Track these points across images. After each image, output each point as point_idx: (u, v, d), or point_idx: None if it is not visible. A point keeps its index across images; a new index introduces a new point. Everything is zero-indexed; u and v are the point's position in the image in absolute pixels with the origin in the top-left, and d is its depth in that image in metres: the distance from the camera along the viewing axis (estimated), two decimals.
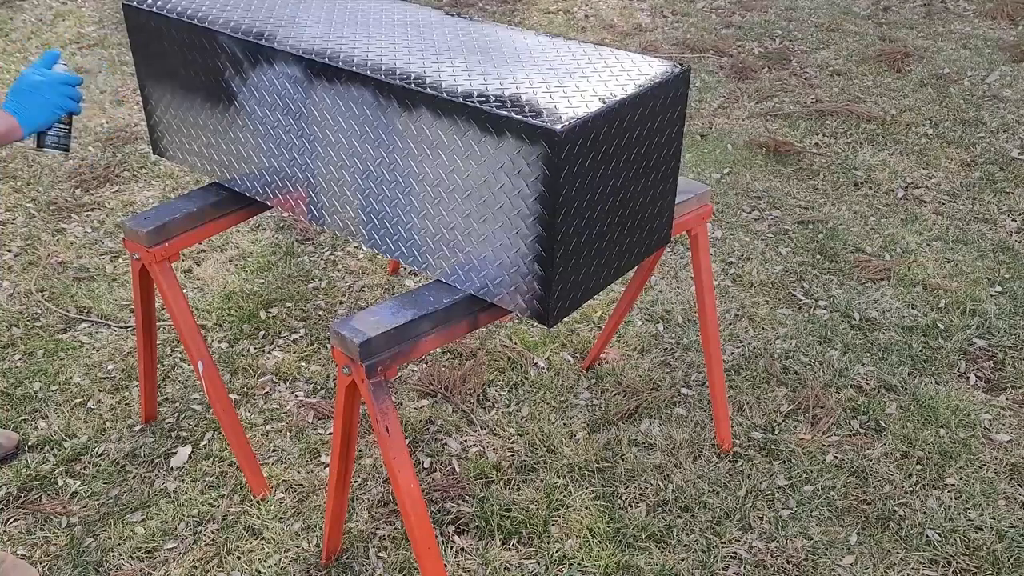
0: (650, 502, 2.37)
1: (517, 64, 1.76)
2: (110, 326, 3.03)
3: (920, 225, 3.69)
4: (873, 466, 2.48)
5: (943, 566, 2.19)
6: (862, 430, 2.62)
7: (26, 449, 2.51)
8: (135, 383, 2.75)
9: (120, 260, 3.40)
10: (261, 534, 2.26)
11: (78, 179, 3.98)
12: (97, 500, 2.36)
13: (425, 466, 2.48)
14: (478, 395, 2.74)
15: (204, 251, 3.47)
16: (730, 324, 3.07)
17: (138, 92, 4.84)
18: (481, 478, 2.44)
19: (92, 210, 3.74)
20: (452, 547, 2.23)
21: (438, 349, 2.90)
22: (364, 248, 3.48)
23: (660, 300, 3.19)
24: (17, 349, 2.91)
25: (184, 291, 3.10)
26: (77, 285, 3.24)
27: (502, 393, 2.75)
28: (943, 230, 3.65)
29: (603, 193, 1.67)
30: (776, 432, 2.60)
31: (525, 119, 1.51)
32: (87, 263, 3.37)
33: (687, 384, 2.79)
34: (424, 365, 2.87)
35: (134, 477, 2.43)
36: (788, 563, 2.20)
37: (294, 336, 3.00)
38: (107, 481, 2.41)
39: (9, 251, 3.44)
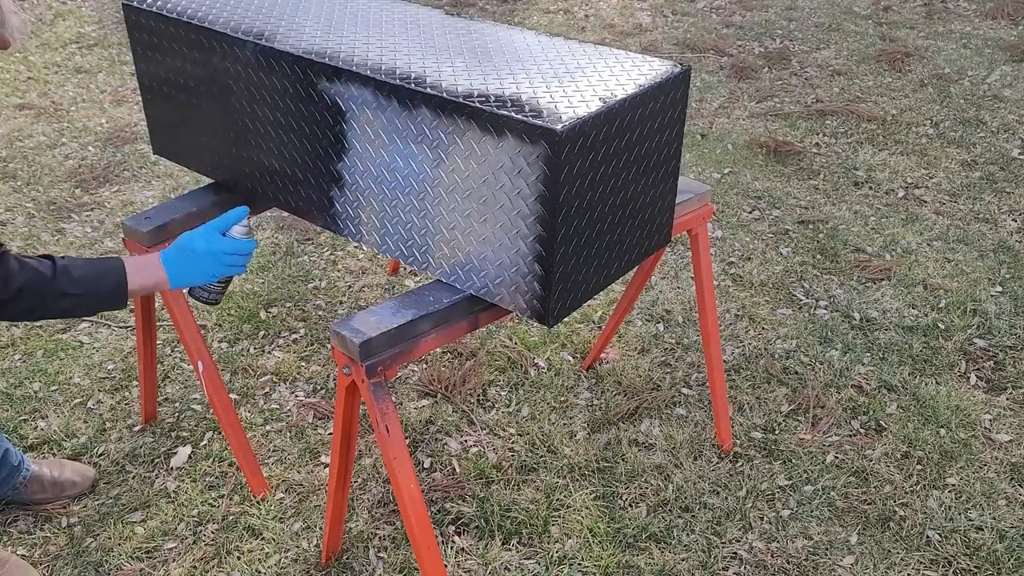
0: (650, 502, 2.37)
1: (517, 64, 1.76)
2: (110, 326, 3.03)
3: (920, 225, 3.68)
4: (873, 466, 2.48)
5: (943, 566, 2.19)
6: (862, 430, 2.62)
7: (26, 449, 2.51)
8: (135, 383, 2.75)
9: None
10: (261, 534, 2.26)
11: (78, 179, 3.98)
12: (97, 500, 2.35)
13: (425, 466, 2.48)
14: (478, 395, 2.74)
15: None
16: (730, 324, 3.07)
17: (138, 92, 4.84)
18: (481, 478, 2.43)
19: (92, 210, 3.74)
20: (452, 547, 2.23)
21: (438, 349, 2.89)
22: (364, 248, 3.48)
23: (660, 300, 3.18)
24: (17, 349, 2.91)
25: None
26: None
27: (502, 393, 2.75)
28: (943, 230, 3.65)
29: (603, 193, 1.66)
30: (776, 432, 2.60)
31: (525, 119, 1.51)
32: None
33: (687, 384, 2.79)
34: (424, 365, 2.86)
35: (134, 477, 2.43)
36: (788, 563, 2.20)
37: (294, 336, 2.99)
38: (107, 481, 2.41)
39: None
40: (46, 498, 2.30)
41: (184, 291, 1.89)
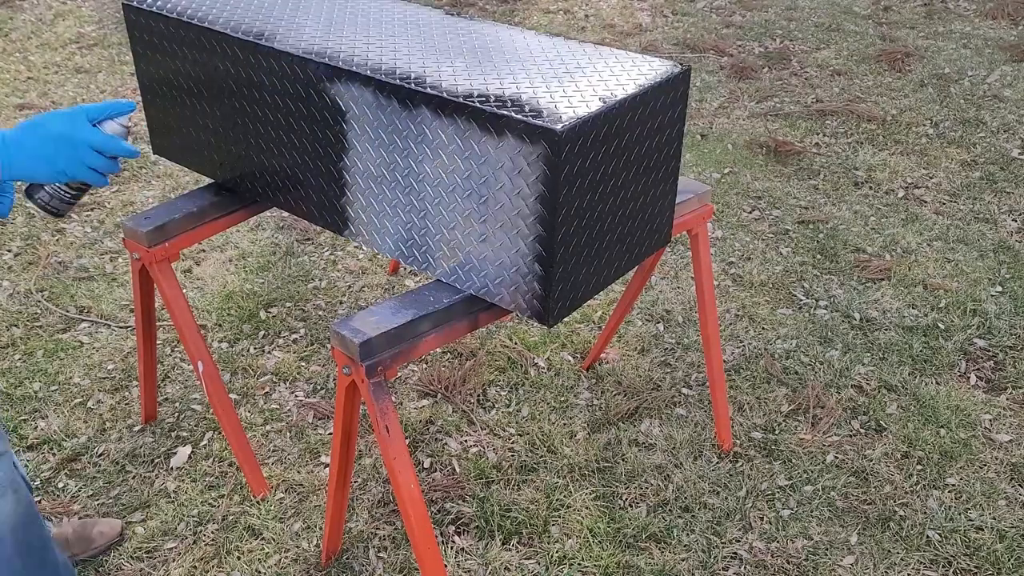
0: (650, 502, 2.37)
1: (517, 64, 1.76)
2: (110, 326, 3.03)
3: (920, 225, 3.68)
4: (873, 466, 2.48)
5: (943, 566, 2.19)
6: (862, 430, 2.62)
7: (25, 449, 2.51)
8: (135, 383, 2.75)
9: (120, 260, 3.40)
10: (261, 534, 2.26)
11: None
12: (97, 500, 2.35)
13: (425, 466, 2.48)
14: (478, 395, 2.74)
15: (204, 251, 3.47)
16: (730, 324, 3.07)
17: (138, 92, 4.84)
18: (481, 478, 2.43)
19: (92, 210, 3.74)
20: (452, 547, 2.23)
21: (438, 349, 2.89)
22: (364, 248, 3.48)
23: (660, 300, 3.18)
24: (17, 349, 2.91)
25: (184, 291, 3.10)
26: (77, 285, 3.24)
27: (502, 393, 2.75)
28: (943, 230, 3.65)
29: (603, 193, 1.66)
30: (776, 432, 2.60)
31: (525, 119, 1.51)
32: (87, 263, 3.37)
33: (687, 384, 2.79)
34: (424, 365, 2.86)
35: (134, 477, 2.43)
36: (788, 563, 2.20)
37: (294, 336, 2.99)
38: (107, 481, 2.41)
39: (9, 251, 3.44)
40: (72, 554, 2.15)
41: (24, 190, 1.53)
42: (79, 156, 1.42)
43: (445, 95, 1.61)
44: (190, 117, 2.14)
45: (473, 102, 1.58)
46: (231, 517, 2.30)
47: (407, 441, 2.41)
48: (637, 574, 2.17)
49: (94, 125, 1.45)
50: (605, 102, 1.59)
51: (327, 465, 2.46)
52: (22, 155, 1.40)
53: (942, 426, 2.62)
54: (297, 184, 1.98)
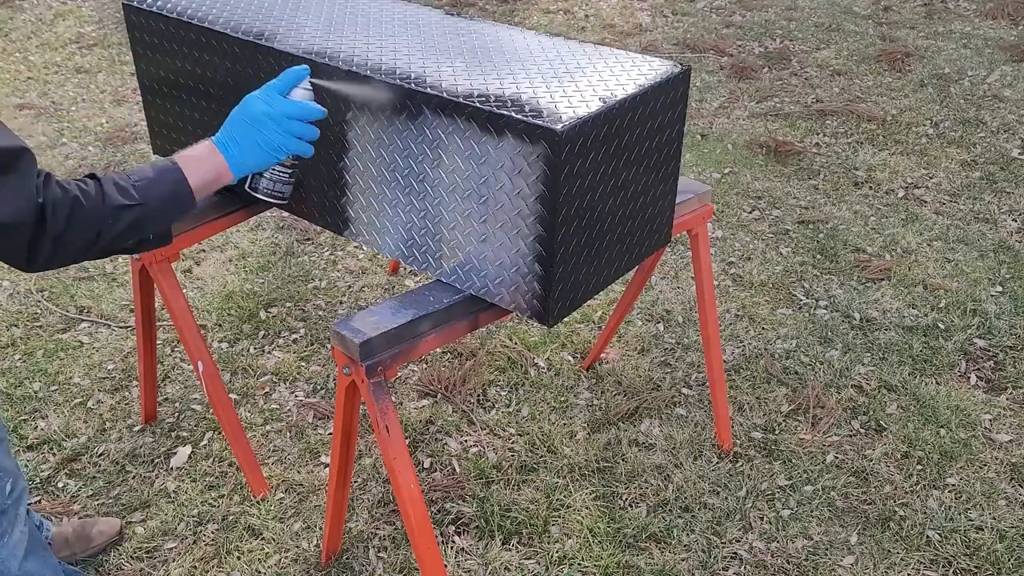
0: (650, 502, 2.37)
1: (517, 64, 1.76)
2: (110, 326, 3.03)
3: (920, 225, 3.68)
4: (873, 466, 2.48)
5: (943, 566, 2.19)
6: (862, 430, 2.62)
7: (25, 449, 2.51)
8: (135, 383, 2.75)
9: (120, 260, 3.40)
10: (261, 534, 2.26)
11: None
12: (97, 500, 2.35)
13: (425, 466, 2.48)
14: (478, 395, 2.74)
15: (204, 251, 3.47)
16: (730, 324, 3.07)
17: (138, 92, 4.84)
18: (481, 478, 2.43)
19: None
20: (452, 547, 2.23)
21: (438, 349, 2.89)
22: (364, 248, 3.48)
23: (660, 300, 3.18)
24: (17, 349, 2.91)
25: (184, 291, 3.10)
26: (77, 285, 3.24)
27: (502, 393, 2.75)
28: (943, 230, 3.65)
29: (603, 193, 1.66)
30: (776, 432, 2.60)
31: (525, 119, 1.51)
32: (87, 263, 3.37)
33: (687, 384, 2.79)
34: (424, 365, 2.86)
35: (134, 477, 2.43)
36: (788, 563, 2.20)
37: (294, 336, 2.99)
38: (107, 481, 2.41)
39: None
40: (72, 553, 2.17)
41: (247, 185, 1.63)
42: (285, 128, 1.52)
43: (445, 95, 1.61)
44: (190, 117, 2.14)
45: (473, 102, 1.58)
46: (231, 517, 2.30)
47: (407, 441, 2.41)
48: (637, 574, 2.17)
49: (284, 97, 1.56)
50: (605, 102, 1.59)
51: (327, 465, 2.46)
52: (239, 150, 1.50)
53: (942, 426, 2.62)
54: (297, 184, 1.98)
